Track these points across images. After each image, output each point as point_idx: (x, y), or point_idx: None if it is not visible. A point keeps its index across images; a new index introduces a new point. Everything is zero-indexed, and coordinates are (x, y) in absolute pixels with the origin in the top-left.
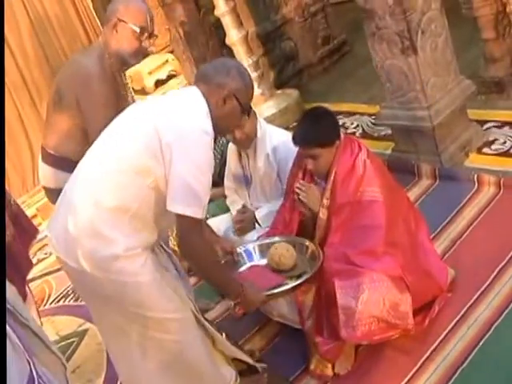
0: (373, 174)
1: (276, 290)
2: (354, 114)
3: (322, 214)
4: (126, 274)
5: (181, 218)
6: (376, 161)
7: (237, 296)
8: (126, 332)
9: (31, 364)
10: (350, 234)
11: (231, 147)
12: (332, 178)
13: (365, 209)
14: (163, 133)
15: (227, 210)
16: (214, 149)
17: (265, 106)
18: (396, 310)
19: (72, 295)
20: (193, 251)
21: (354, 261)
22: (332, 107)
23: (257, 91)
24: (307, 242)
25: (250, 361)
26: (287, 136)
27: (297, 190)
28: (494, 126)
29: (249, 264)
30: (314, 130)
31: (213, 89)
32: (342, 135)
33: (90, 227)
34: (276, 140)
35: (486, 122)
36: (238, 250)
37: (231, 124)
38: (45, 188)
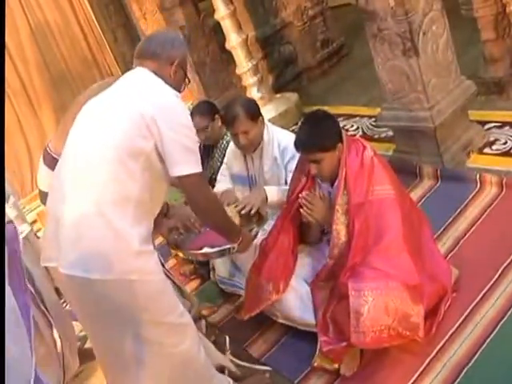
0: (382, 171)
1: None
2: (353, 116)
3: (339, 222)
4: (146, 273)
5: (186, 178)
6: (381, 158)
7: (238, 236)
8: (131, 351)
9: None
10: (368, 235)
11: (232, 148)
12: (343, 181)
13: (379, 208)
14: (144, 110)
15: None
16: (216, 152)
17: (264, 110)
18: (407, 322)
19: None
20: (205, 203)
21: (371, 259)
22: (331, 110)
23: (256, 95)
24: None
25: (232, 367)
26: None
27: (301, 202)
28: (495, 127)
29: None
30: (315, 134)
31: (163, 64)
32: (345, 136)
33: (101, 227)
34: (284, 143)
35: (487, 122)
36: None
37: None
38: (43, 192)
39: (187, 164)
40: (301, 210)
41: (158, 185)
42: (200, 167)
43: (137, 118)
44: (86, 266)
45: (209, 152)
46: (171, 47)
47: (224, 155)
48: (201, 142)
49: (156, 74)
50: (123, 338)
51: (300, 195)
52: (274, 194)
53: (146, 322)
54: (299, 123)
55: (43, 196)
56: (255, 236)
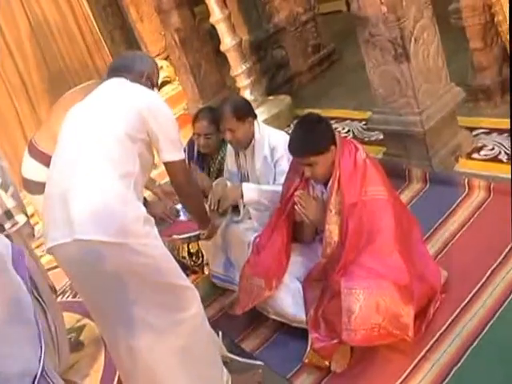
0: (374, 173)
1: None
2: (344, 119)
3: (332, 222)
4: (154, 237)
5: (172, 163)
6: (374, 160)
7: (208, 224)
8: (144, 318)
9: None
10: (361, 235)
11: (229, 147)
12: (336, 181)
13: (372, 208)
14: (138, 106)
15: None
16: (211, 166)
17: (257, 112)
18: (397, 321)
19: (70, 291)
20: (187, 185)
21: (364, 258)
22: (323, 113)
23: (249, 97)
24: None
25: (228, 355)
26: (285, 137)
27: (296, 200)
28: (483, 133)
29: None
30: (308, 139)
31: (136, 76)
32: (338, 138)
33: (113, 196)
34: (274, 143)
35: (475, 128)
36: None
37: None
38: (29, 180)
39: (173, 152)
40: (295, 207)
41: (144, 172)
42: (183, 154)
43: (133, 112)
44: (103, 230)
45: (203, 162)
46: (140, 62)
47: (219, 170)
48: (197, 147)
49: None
50: (134, 303)
51: (295, 193)
52: (252, 194)
53: (159, 284)
54: (292, 126)
55: (26, 182)
56: (219, 226)
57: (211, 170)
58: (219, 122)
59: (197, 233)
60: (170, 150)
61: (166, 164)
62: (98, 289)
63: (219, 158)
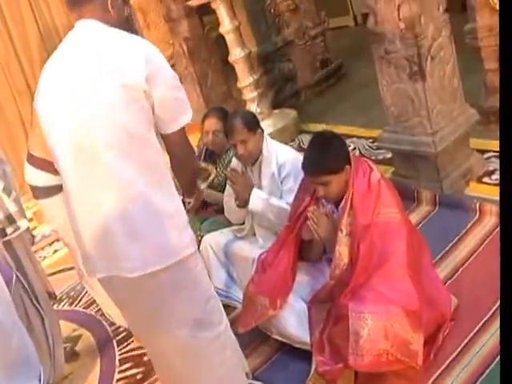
0: (388, 194)
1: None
2: (350, 136)
3: (342, 243)
4: (195, 243)
5: (178, 131)
6: (388, 181)
7: (194, 194)
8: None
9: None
10: (372, 257)
11: (235, 162)
12: (349, 202)
13: (385, 230)
14: (131, 80)
15: (223, 226)
16: (218, 165)
17: (262, 125)
18: (406, 348)
19: (66, 299)
20: (190, 156)
21: (374, 281)
22: (329, 129)
23: (255, 110)
24: None
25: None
26: (294, 154)
27: (308, 215)
28: (494, 156)
29: None
30: (323, 157)
31: (99, 3)
32: (352, 157)
33: (153, 214)
34: (282, 159)
35: (485, 151)
36: None
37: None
38: (31, 186)
39: (181, 115)
40: (307, 223)
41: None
42: (191, 111)
43: (128, 92)
44: (154, 259)
45: (211, 159)
46: None
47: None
48: (205, 145)
49: (99, 20)
50: (173, 322)
51: (308, 209)
52: (258, 203)
53: (197, 299)
54: (297, 140)
55: (31, 189)
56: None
57: (218, 170)
58: (229, 136)
59: (186, 200)
60: (180, 115)
61: (174, 133)
62: (141, 314)
63: (226, 160)
